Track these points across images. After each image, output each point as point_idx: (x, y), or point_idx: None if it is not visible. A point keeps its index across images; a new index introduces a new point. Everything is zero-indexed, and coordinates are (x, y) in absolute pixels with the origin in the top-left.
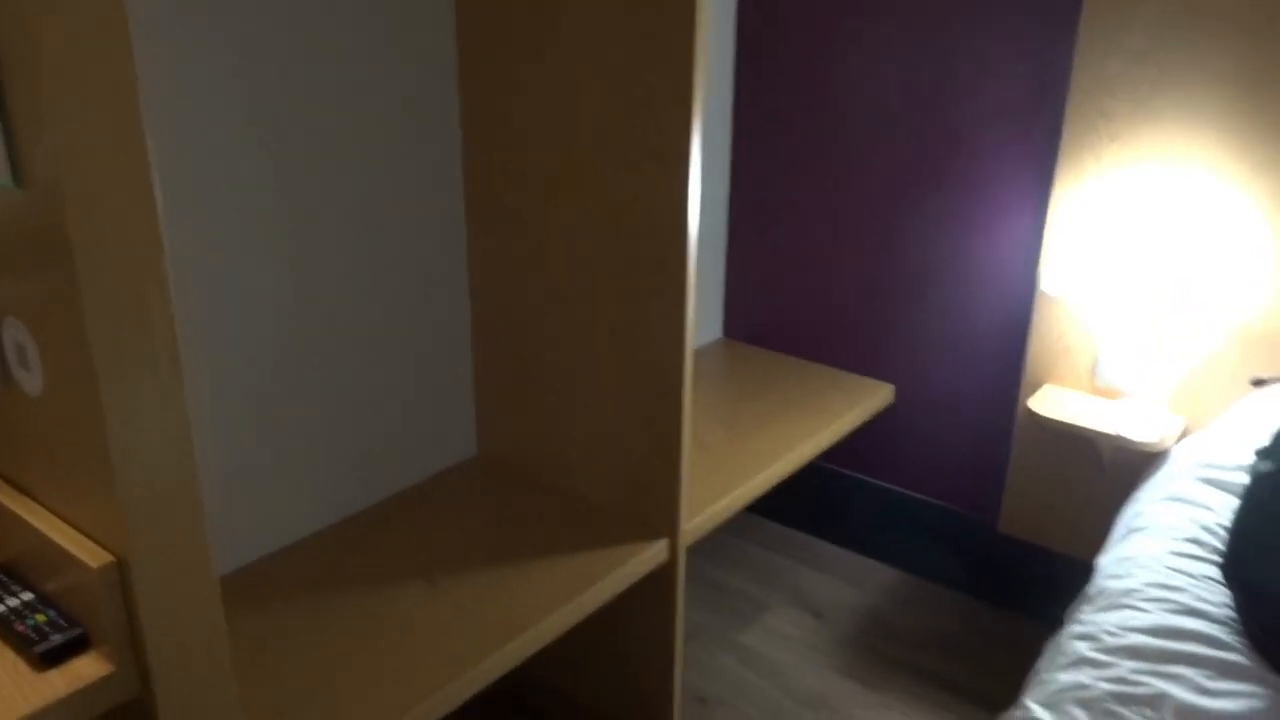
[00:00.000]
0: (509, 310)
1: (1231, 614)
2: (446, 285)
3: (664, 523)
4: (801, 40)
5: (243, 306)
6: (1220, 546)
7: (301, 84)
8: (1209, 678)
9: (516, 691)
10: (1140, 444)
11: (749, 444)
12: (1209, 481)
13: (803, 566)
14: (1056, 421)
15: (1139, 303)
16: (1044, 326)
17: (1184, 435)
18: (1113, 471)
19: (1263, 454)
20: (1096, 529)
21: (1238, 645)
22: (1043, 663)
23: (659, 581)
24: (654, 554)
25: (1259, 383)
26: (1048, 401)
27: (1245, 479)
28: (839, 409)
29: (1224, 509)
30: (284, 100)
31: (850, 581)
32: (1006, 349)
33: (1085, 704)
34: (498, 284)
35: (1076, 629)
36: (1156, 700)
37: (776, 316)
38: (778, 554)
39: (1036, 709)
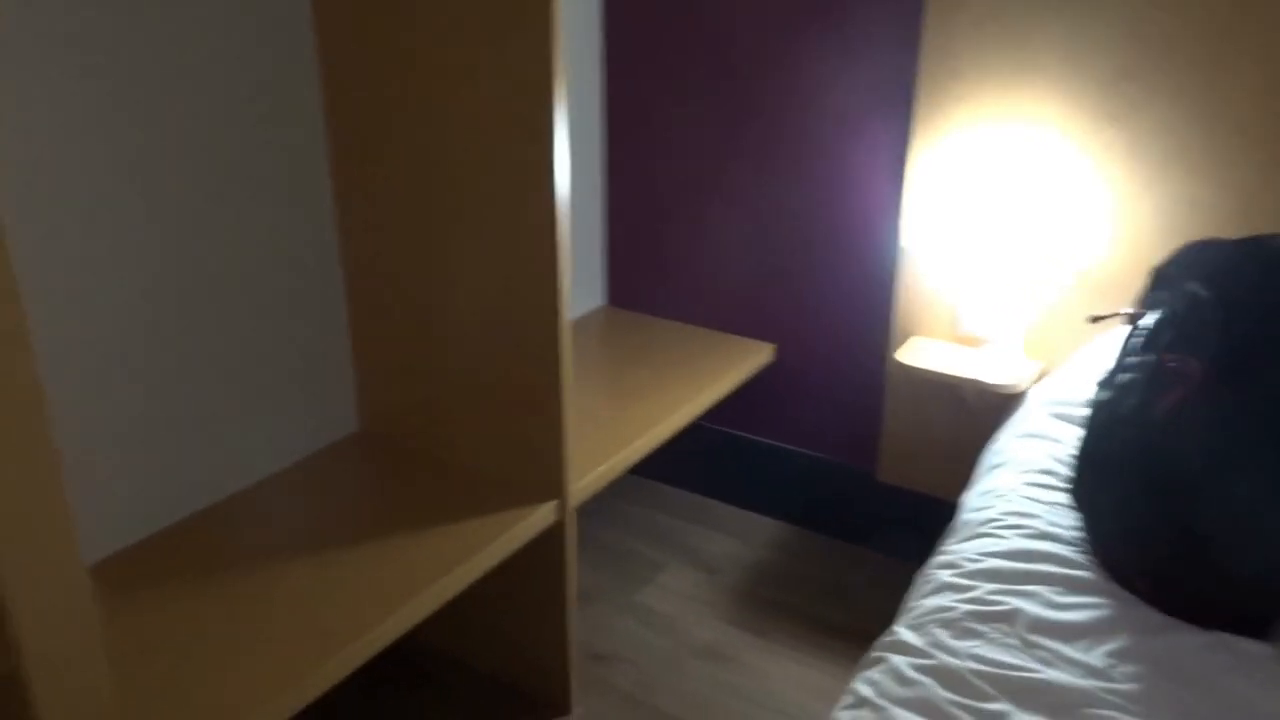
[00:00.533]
0: (384, 285)
1: (1081, 535)
2: (317, 263)
3: (549, 486)
4: (669, 8)
5: (104, 287)
6: (1070, 474)
7: (149, 63)
8: (1059, 593)
9: (414, 660)
10: (1000, 387)
11: (632, 407)
12: (1060, 417)
13: (694, 525)
14: (922, 371)
15: (993, 255)
16: (908, 282)
17: (1040, 377)
18: (979, 415)
19: (1101, 384)
20: (966, 471)
21: (1085, 563)
22: (911, 592)
23: (548, 544)
24: (541, 517)
25: (1096, 319)
26: (914, 352)
27: (1089, 411)
28: (720, 370)
29: (1073, 441)
30: (128, 80)
31: (740, 537)
32: (876, 305)
33: (947, 624)
34: (371, 259)
35: (940, 559)
36: (1011, 616)
37: (659, 283)
38: (670, 515)
39: (903, 632)
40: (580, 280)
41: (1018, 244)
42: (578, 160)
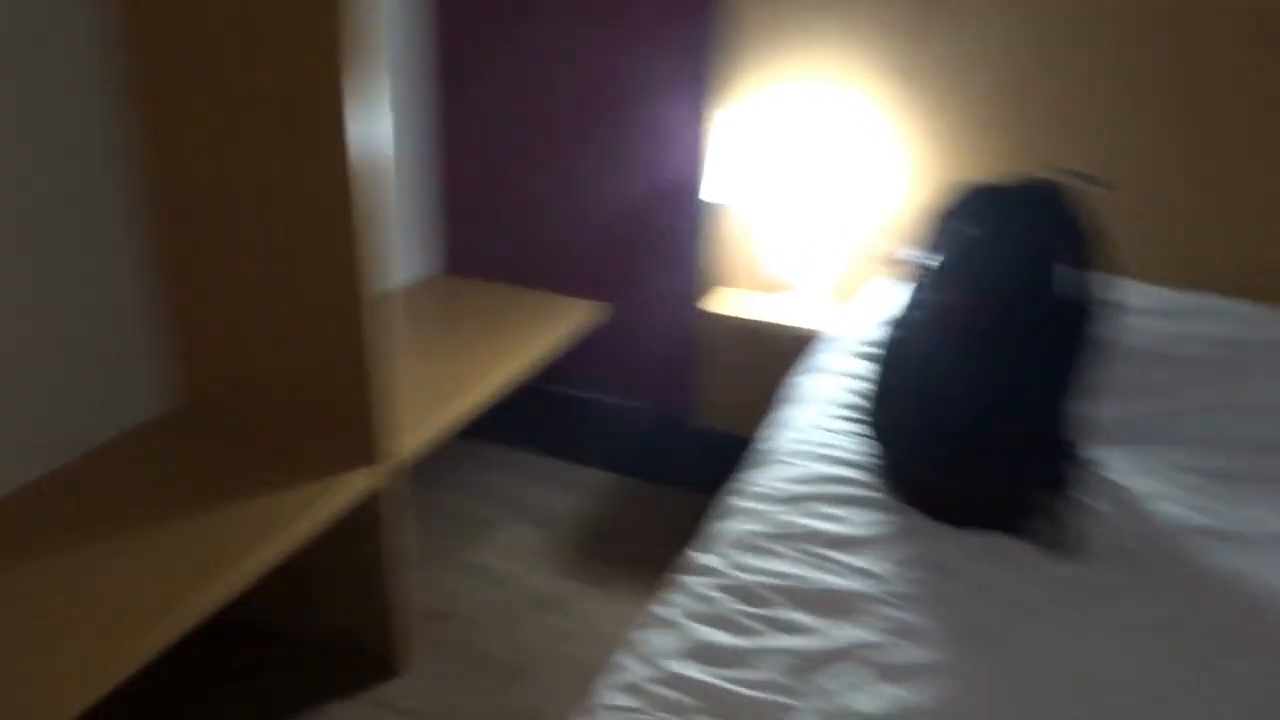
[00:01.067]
0: (195, 258)
1: (871, 461)
2: (123, 237)
3: (368, 451)
4: None
5: None
6: (862, 405)
7: None
8: (847, 511)
9: (253, 630)
10: (800, 329)
11: (461, 369)
12: (854, 354)
13: (531, 484)
14: (729, 319)
15: (795, 206)
16: (716, 235)
17: (838, 319)
18: (784, 357)
19: (891, 322)
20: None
21: (874, 485)
22: (710, 519)
23: (375, 509)
24: (360, 481)
25: (888, 262)
26: (722, 302)
27: (880, 348)
28: (545, 330)
29: (865, 375)
30: None
31: (572, 491)
32: (689, 258)
33: (742, 545)
34: (179, 233)
35: (739, 488)
36: (801, 533)
37: (498, 249)
38: (507, 475)
39: (700, 556)
40: (415, 247)
41: (817, 195)
42: (405, 129)
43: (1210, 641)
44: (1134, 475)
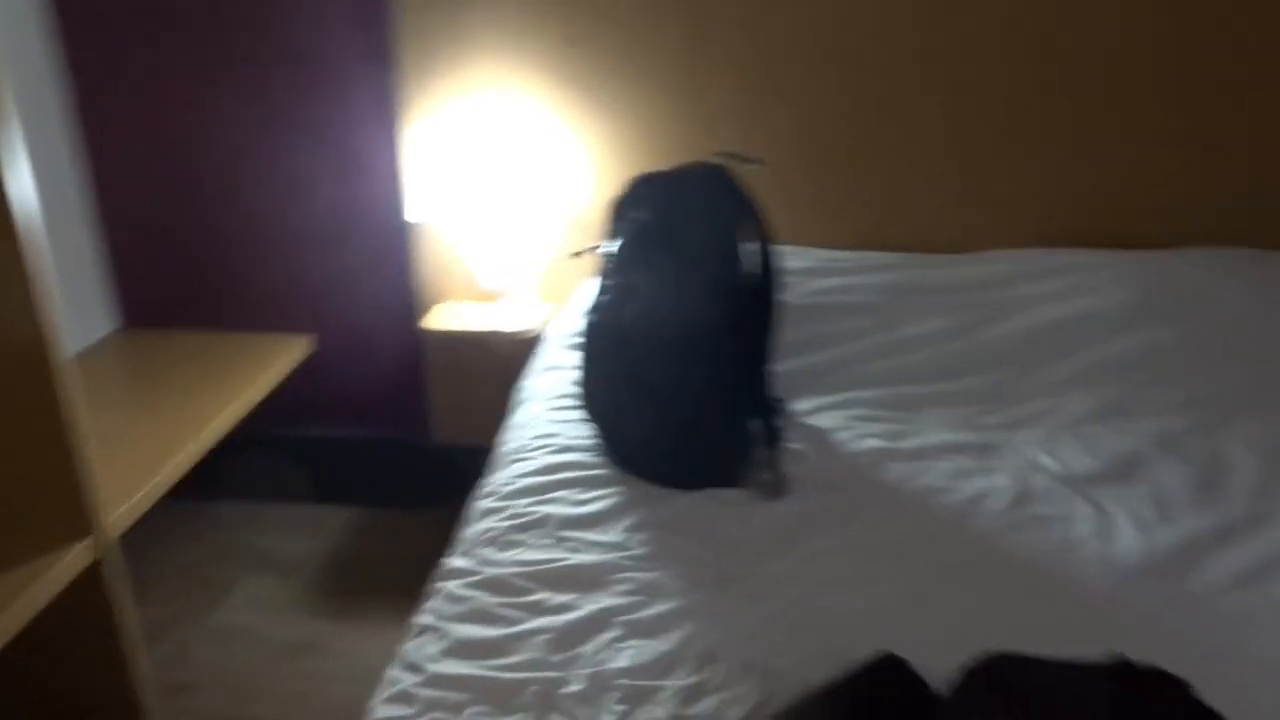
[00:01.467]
0: None
1: (596, 443)
2: None
3: (78, 527)
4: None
5: None
6: (579, 393)
7: None
8: (582, 493)
9: None
10: (520, 333)
11: (161, 427)
12: (570, 348)
13: (261, 533)
14: (449, 333)
15: (495, 214)
16: (424, 251)
17: (553, 317)
18: (512, 362)
19: (589, 310)
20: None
21: (601, 464)
22: (458, 526)
23: (93, 586)
24: (71, 560)
25: (576, 254)
26: (441, 317)
27: (583, 335)
28: (248, 373)
29: (578, 364)
30: None
31: (310, 533)
32: (401, 278)
33: (490, 543)
34: None
35: (481, 491)
36: (543, 520)
37: (181, 295)
38: (235, 528)
39: (452, 560)
40: (89, 305)
41: (514, 201)
42: (50, 178)
43: (910, 541)
44: (823, 416)
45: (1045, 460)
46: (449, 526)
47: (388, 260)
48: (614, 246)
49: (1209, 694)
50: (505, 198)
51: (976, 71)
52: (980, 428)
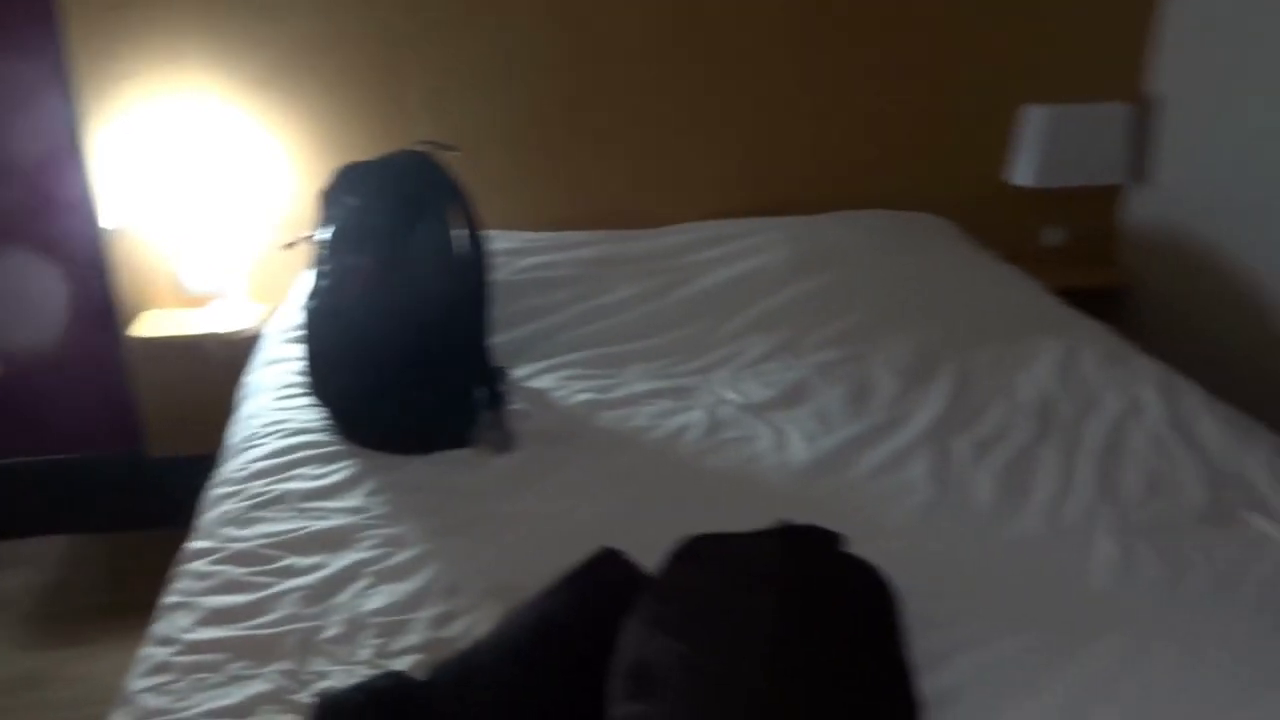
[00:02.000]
0: None
1: (326, 423)
2: None
3: None
4: None
5: None
6: (305, 379)
7: None
8: (318, 468)
9: None
10: (235, 334)
11: None
12: (291, 340)
13: None
14: (158, 340)
15: (197, 216)
16: (124, 260)
17: (271, 314)
18: (232, 366)
19: (308, 297)
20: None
21: (333, 441)
22: (196, 517)
23: None
24: None
25: (288, 246)
26: (149, 325)
27: (304, 323)
28: None
29: (301, 352)
30: None
31: (25, 566)
32: (100, 287)
33: (231, 522)
34: None
35: (213, 483)
36: (283, 496)
37: None
38: None
39: (194, 544)
40: None
41: (216, 202)
42: None
43: (623, 473)
44: (540, 379)
45: (731, 395)
46: (179, 541)
47: (82, 270)
48: (326, 234)
49: (857, 548)
50: (206, 199)
51: (655, 66)
52: (676, 375)
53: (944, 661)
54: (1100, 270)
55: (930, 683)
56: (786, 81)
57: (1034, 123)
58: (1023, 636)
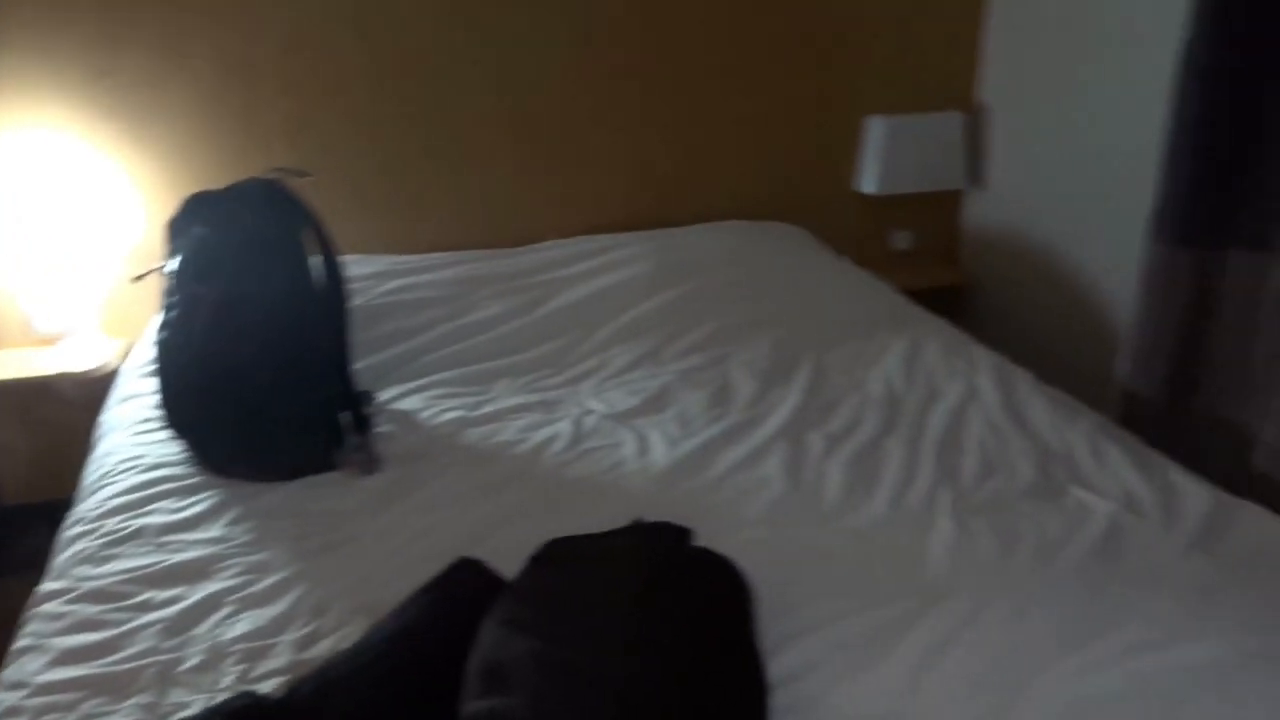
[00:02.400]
0: None
1: (186, 455)
2: None
3: None
4: None
5: None
6: (161, 412)
7: None
8: (177, 501)
9: None
10: (91, 372)
11: None
12: (148, 375)
13: None
14: (8, 382)
15: (43, 254)
16: None
17: (127, 350)
18: (89, 405)
19: (159, 329)
20: None
21: (194, 473)
22: (49, 559)
23: None
24: None
25: (138, 278)
26: None
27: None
28: None
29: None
30: None
31: None
32: None
33: (85, 561)
34: None
35: (67, 523)
36: (140, 531)
37: None
38: None
39: (46, 586)
40: None
41: (62, 239)
42: None
43: (490, 486)
44: (407, 400)
45: (596, 405)
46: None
47: None
48: (174, 264)
49: (715, 542)
50: (53, 234)
51: (521, 88)
52: (543, 389)
53: (794, 642)
54: (945, 270)
55: (780, 663)
56: (647, 101)
57: (876, 134)
58: (866, 615)
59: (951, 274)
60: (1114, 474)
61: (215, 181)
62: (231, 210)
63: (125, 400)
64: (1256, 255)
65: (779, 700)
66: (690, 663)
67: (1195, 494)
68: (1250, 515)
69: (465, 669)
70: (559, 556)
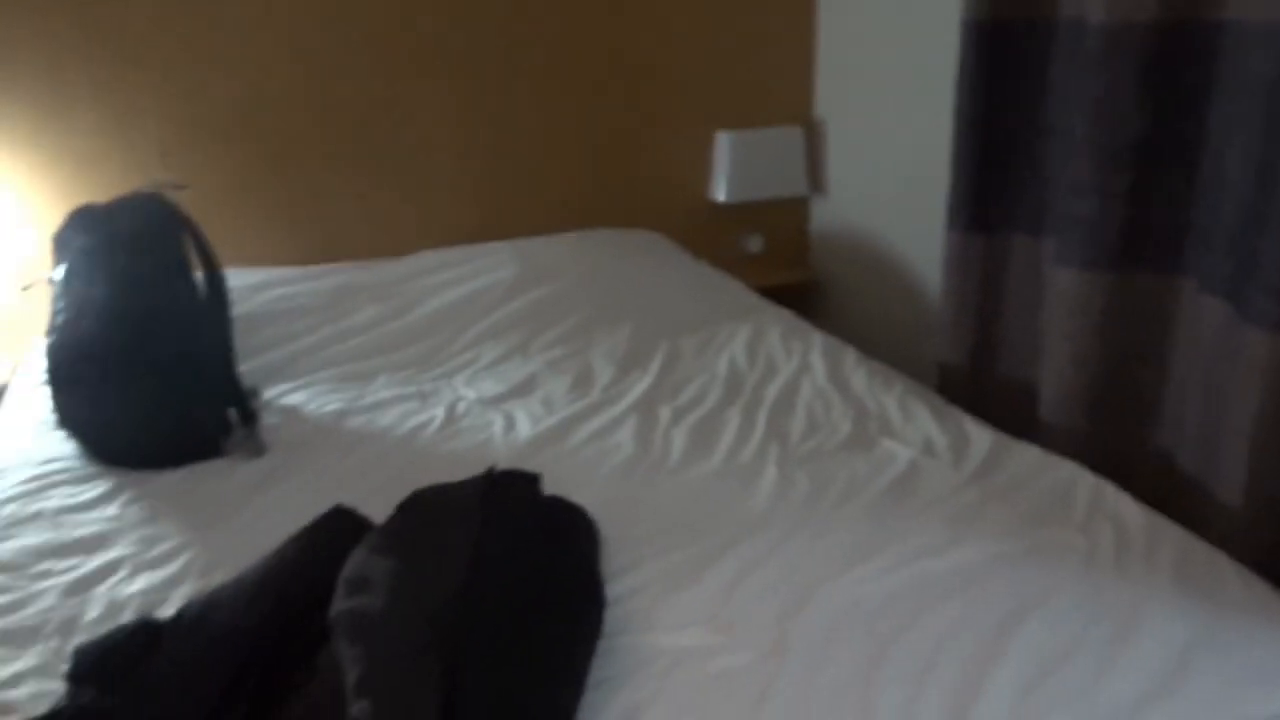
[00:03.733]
0: None
1: (81, 450)
2: None
3: None
4: None
5: None
6: (54, 414)
7: None
8: (73, 488)
9: None
10: None
11: None
12: (38, 380)
13: None
14: None
15: None
16: None
17: (19, 365)
18: None
19: (47, 334)
20: None
21: (89, 463)
22: None
23: None
24: None
25: (25, 288)
26: None
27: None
28: None
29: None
30: None
31: None
32: None
33: None
34: None
35: None
36: (37, 515)
37: None
38: None
39: None
40: None
41: None
42: None
43: (368, 463)
44: (292, 395)
45: (468, 392)
46: None
47: None
48: (61, 273)
49: (561, 491)
50: None
51: (391, 103)
52: (420, 381)
53: (629, 571)
54: (795, 270)
55: (617, 587)
56: (508, 122)
57: (723, 147)
58: (691, 546)
59: (800, 273)
60: (918, 426)
61: (100, 196)
62: (114, 221)
63: (17, 407)
64: (1031, 238)
65: (614, 614)
66: (525, 573)
67: (980, 438)
68: (1019, 451)
69: (335, 584)
70: (420, 500)
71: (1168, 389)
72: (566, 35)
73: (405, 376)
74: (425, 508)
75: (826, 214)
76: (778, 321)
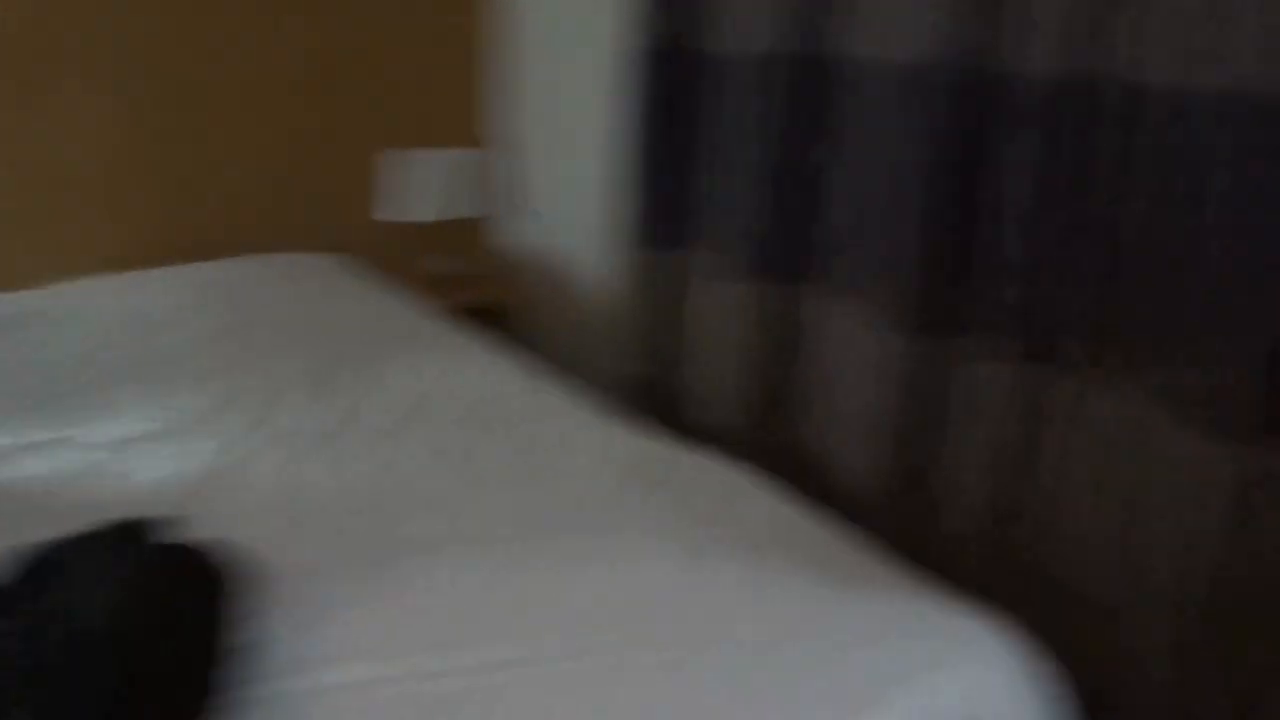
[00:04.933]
0: None
1: None
2: None
3: None
4: None
5: None
6: None
7: None
8: None
9: None
10: None
11: None
12: None
13: None
14: None
15: None
16: None
17: None
18: None
19: None
20: None
21: None
22: None
23: None
24: None
25: None
26: None
27: None
28: None
29: None
30: None
31: None
32: None
33: None
34: None
35: None
36: None
37: None
38: None
39: None
40: None
41: None
42: None
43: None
44: None
45: (107, 435)
46: None
47: None
48: None
49: (213, 520)
50: None
51: (53, 140)
52: (54, 428)
53: (286, 608)
54: (487, 289)
55: (264, 627)
56: (187, 138)
57: (393, 168)
58: (353, 576)
59: (494, 292)
60: (596, 436)
61: None
62: None
63: None
64: (679, 252)
65: (264, 656)
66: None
67: (653, 444)
68: (693, 455)
69: None
70: (43, 554)
71: (813, 387)
72: (231, 67)
73: (34, 421)
74: (46, 560)
75: (512, 234)
76: (466, 342)
